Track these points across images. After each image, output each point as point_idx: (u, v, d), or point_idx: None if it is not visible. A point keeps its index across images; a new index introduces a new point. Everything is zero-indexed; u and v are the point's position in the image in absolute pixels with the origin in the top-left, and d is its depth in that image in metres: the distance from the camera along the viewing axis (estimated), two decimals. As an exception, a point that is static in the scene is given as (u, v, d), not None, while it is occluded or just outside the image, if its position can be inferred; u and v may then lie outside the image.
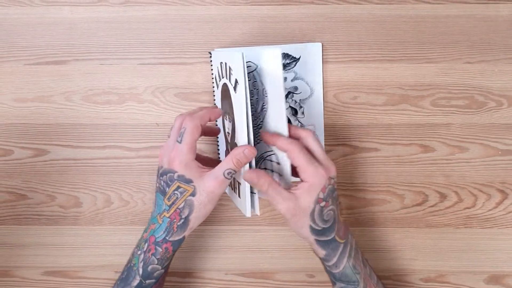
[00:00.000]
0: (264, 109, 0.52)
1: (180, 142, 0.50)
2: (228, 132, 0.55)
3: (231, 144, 0.55)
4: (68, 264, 0.67)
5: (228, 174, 0.49)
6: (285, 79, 0.61)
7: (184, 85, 0.62)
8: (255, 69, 0.52)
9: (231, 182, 0.57)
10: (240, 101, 0.48)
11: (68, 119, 0.63)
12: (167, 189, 0.51)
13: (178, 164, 0.50)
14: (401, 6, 0.59)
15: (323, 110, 0.62)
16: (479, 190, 0.63)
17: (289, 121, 0.61)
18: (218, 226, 0.66)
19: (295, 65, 0.60)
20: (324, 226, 0.51)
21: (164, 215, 0.51)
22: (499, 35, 0.59)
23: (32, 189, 0.65)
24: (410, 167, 0.63)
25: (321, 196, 0.50)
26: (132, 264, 0.53)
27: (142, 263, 0.52)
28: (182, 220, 0.51)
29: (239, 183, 0.54)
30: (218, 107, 0.58)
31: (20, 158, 0.64)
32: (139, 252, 0.53)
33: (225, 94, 0.54)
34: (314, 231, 0.51)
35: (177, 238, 0.51)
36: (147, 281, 0.53)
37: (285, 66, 0.60)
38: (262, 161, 0.56)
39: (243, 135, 0.49)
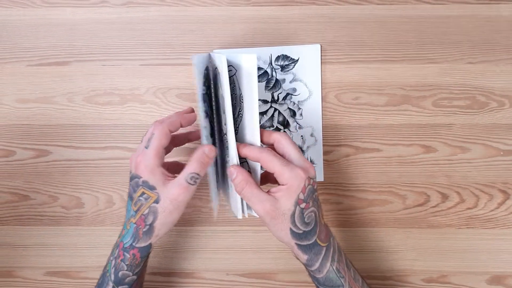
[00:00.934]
0: (240, 115, 0.52)
1: (147, 148, 0.49)
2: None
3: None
4: (71, 264, 0.67)
5: (191, 179, 0.48)
6: (284, 80, 0.61)
7: (185, 86, 0.62)
8: (234, 74, 0.52)
9: (227, 183, 0.57)
10: (223, 104, 0.49)
11: (70, 120, 0.63)
12: (134, 194, 0.50)
13: (143, 170, 0.49)
14: (402, 7, 0.59)
15: (322, 111, 0.62)
16: (481, 191, 0.63)
17: (285, 127, 0.61)
18: (218, 226, 0.66)
19: (293, 67, 0.60)
20: (305, 229, 0.49)
21: (131, 221, 0.51)
22: (501, 35, 0.59)
23: (34, 189, 0.65)
24: (411, 168, 0.63)
25: (301, 197, 0.49)
26: (106, 270, 0.53)
27: (113, 269, 0.52)
28: (147, 227, 0.50)
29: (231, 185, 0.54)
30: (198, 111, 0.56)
31: (22, 159, 0.64)
32: (111, 258, 0.52)
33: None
34: (294, 234, 0.49)
35: (143, 244, 0.50)
36: (120, 287, 0.52)
37: (283, 67, 0.60)
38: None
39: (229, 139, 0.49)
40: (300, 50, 0.60)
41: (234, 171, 0.50)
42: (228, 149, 0.51)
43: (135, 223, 0.50)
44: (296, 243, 0.50)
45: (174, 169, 0.56)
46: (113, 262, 0.52)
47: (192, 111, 0.55)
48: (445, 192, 0.64)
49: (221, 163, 0.57)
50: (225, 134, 0.53)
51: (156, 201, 0.49)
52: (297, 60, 0.60)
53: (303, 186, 0.48)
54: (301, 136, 0.62)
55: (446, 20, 0.59)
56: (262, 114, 0.62)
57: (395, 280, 0.66)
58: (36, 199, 0.65)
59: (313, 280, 0.54)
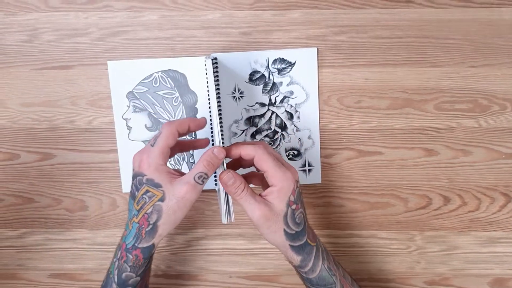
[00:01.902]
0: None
1: (152, 146, 0.49)
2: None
3: None
4: (74, 267, 0.67)
5: (199, 178, 0.48)
6: (281, 83, 0.61)
7: (188, 89, 0.63)
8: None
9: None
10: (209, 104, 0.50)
11: (74, 123, 0.64)
12: (137, 193, 0.50)
13: (147, 168, 0.49)
14: (404, 11, 0.59)
15: (319, 114, 0.62)
16: (482, 194, 0.64)
17: (282, 128, 0.62)
18: (222, 229, 0.66)
19: (290, 70, 0.60)
20: (296, 229, 0.51)
21: (134, 221, 0.50)
22: (502, 39, 0.59)
23: (38, 192, 0.65)
24: (413, 171, 0.63)
25: (292, 199, 0.50)
26: (109, 272, 0.53)
27: (117, 271, 0.51)
28: (150, 226, 0.49)
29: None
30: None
31: (26, 162, 0.65)
32: (114, 260, 0.52)
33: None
34: (288, 235, 0.51)
35: (146, 245, 0.50)
36: None
37: (280, 70, 0.61)
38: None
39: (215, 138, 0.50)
40: (297, 53, 0.60)
41: (232, 176, 0.50)
42: None
43: (137, 222, 0.50)
44: (289, 244, 0.51)
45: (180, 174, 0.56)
46: (116, 263, 0.51)
47: (205, 119, 0.55)
48: (447, 195, 0.64)
49: None
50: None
51: (161, 199, 0.48)
52: (294, 63, 0.60)
53: (292, 188, 0.50)
54: (299, 138, 0.63)
55: (448, 24, 0.59)
56: (260, 117, 0.62)
57: (397, 283, 0.66)
58: (40, 202, 0.66)
59: (305, 282, 0.55)
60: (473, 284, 0.66)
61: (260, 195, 0.51)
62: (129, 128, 0.62)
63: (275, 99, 0.62)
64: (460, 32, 0.59)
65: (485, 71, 0.60)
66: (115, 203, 0.65)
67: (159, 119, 0.62)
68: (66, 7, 0.60)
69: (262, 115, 0.62)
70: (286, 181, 0.50)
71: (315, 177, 0.63)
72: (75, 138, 0.64)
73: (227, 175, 0.50)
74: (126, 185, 0.64)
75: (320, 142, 0.63)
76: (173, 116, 0.62)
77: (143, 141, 0.63)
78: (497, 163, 0.63)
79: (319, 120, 0.62)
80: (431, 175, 0.63)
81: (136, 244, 0.50)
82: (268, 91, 0.61)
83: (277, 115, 0.62)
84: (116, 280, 0.51)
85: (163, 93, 0.61)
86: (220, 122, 0.61)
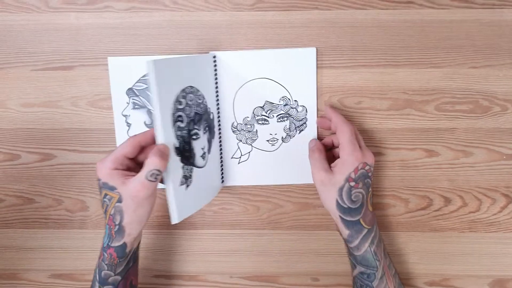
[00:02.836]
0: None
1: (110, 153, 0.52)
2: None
3: None
4: (75, 267, 0.67)
5: (151, 175, 0.49)
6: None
7: (189, 90, 0.62)
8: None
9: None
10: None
11: (74, 124, 0.64)
12: (100, 197, 0.53)
13: (100, 172, 0.51)
14: (405, 11, 0.59)
15: (317, 115, 0.62)
16: (483, 195, 0.63)
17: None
18: (222, 230, 0.66)
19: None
20: (350, 206, 0.55)
21: (106, 222, 0.53)
22: (504, 40, 0.59)
23: (39, 193, 0.66)
24: (414, 172, 0.63)
25: (352, 176, 0.54)
26: (95, 270, 0.55)
27: (97, 269, 0.55)
28: (117, 227, 0.52)
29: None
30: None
31: (27, 162, 0.65)
32: (98, 259, 0.55)
33: None
34: (339, 207, 0.55)
35: (117, 244, 0.52)
36: (105, 287, 0.54)
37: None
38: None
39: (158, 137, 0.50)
40: (294, 53, 0.60)
41: (313, 141, 0.60)
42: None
43: (107, 223, 0.53)
44: (340, 216, 0.55)
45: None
46: (97, 262, 0.55)
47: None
48: (447, 196, 0.64)
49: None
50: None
51: (119, 201, 0.51)
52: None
53: (356, 166, 0.54)
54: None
55: (449, 24, 0.59)
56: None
57: (398, 284, 0.66)
58: (41, 203, 0.66)
59: (350, 259, 0.58)
60: (473, 285, 0.66)
61: (331, 165, 0.56)
62: (129, 124, 0.63)
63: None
64: (461, 33, 0.59)
65: (486, 72, 0.60)
66: (115, 203, 0.65)
67: None
68: (66, 8, 0.60)
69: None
70: (351, 157, 0.54)
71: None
72: (76, 138, 0.64)
73: (312, 139, 0.61)
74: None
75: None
76: None
77: None
78: (498, 164, 0.63)
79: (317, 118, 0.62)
80: (432, 176, 0.63)
81: (109, 244, 0.53)
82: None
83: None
84: (97, 278, 0.54)
85: None
86: (219, 122, 0.61)
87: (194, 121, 0.55)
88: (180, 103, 0.52)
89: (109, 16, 0.60)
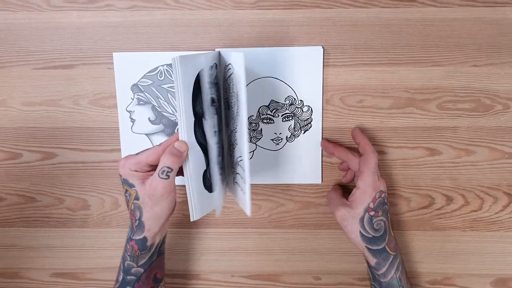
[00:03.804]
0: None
1: (137, 154, 0.52)
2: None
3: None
4: (77, 266, 0.68)
5: (162, 173, 0.50)
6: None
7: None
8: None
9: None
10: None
11: (76, 123, 0.63)
12: (123, 191, 0.54)
13: (122, 170, 0.52)
14: (407, 10, 0.59)
15: (322, 114, 0.62)
16: (485, 193, 0.63)
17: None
18: (224, 228, 0.66)
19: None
20: (374, 234, 0.55)
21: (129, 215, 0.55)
22: (506, 38, 0.59)
23: (40, 192, 0.66)
24: (416, 170, 0.63)
25: (371, 206, 0.55)
26: (120, 261, 0.57)
27: (122, 259, 0.56)
28: (137, 221, 0.53)
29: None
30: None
31: (28, 161, 0.65)
32: (123, 249, 0.56)
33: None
34: (364, 237, 0.56)
35: (138, 237, 0.53)
36: (128, 277, 0.55)
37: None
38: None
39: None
40: (302, 51, 0.60)
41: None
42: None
43: (130, 217, 0.54)
44: (366, 246, 0.56)
45: None
46: (123, 252, 0.56)
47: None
48: (449, 195, 0.64)
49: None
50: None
51: (136, 198, 0.52)
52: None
53: (374, 196, 0.55)
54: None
55: (451, 23, 0.59)
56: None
57: (400, 282, 0.66)
58: (42, 201, 0.66)
59: (375, 285, 0.58)
60: (475, 284, 0.66)
61: (348, 198, 0.57)
62: (133, 120, 0.62)
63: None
64: (463, 31, 0.59)
65: (488, 71, 0.60)
66: (117, 202, 0.65)
67: (163, 113, 0.62)
68: (68, 6, 0.60)
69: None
70: (370, 188, 0.55)
71: (316, 177, 0.63)
72: (77, 137, 0.64)
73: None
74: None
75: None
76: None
77: (146, 134, 0.63)
78: (500, 163, 0.62)
79: (322, 119, 0.62)
80: (434, 175, 0.63)
81: (131, 236, 0.54)
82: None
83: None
84: (122, 267, 0.56)
85: (168, 87, 0.61)
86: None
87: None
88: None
89: (111, 15, 0.60)
